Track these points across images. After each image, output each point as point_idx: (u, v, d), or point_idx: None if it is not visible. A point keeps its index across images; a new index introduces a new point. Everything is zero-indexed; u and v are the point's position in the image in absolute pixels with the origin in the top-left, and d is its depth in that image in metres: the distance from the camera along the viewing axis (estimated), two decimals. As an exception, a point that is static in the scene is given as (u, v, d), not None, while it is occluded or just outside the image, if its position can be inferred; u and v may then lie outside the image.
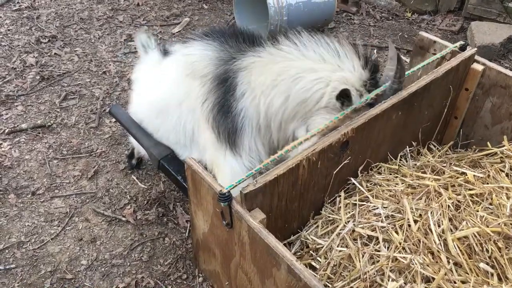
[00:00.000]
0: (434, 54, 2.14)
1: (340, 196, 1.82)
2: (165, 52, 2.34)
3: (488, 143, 2.03)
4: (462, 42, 2.05)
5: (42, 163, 3.06)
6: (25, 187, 2.90)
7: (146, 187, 2.95)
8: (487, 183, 1.77)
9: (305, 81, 1.78)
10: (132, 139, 2.68)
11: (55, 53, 3.99)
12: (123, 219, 2.73)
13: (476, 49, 2.03)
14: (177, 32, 4.33)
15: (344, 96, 1.70)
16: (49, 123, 3.33)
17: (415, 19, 4.72)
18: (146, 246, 2.59)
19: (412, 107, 1.87)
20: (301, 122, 1.84)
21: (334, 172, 1.73)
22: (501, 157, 1.93)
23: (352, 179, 1.84)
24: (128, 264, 2.50)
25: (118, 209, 2.81)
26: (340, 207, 1.76)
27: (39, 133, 3.27)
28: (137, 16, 4.54)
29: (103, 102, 3.55)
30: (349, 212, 1.73)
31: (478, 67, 2.02)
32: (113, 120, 3.41)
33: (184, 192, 2.14)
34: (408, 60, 4.09)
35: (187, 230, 2.68)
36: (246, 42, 1.97)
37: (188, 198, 1.76)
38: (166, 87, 2.18)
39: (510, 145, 1.94)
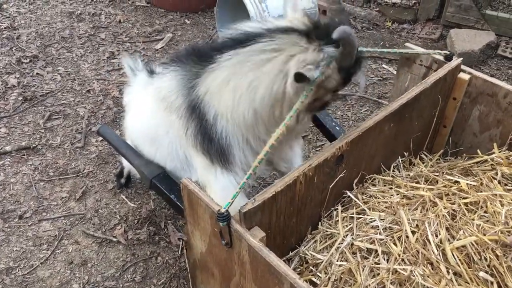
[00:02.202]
0: (421, 64, 2.17)
1: (336, 210, 1.82)
2: (152, 73, 2.32)
3: (478, 151, 2.05)
4: (447, 52, 2.08)
5: (28, 186, 3.00)
6: (12, 211, 2.84)
7: (136, 206, 2.92)
8: (481, 191, 1.79)
9: (261, 88, 1.72)
10: (122, 159, 2.66)
11: (37, 73, 3.94)
12: (114, 239, 2.70)
13: (461, 58, 2.06)
14: (160, 48, 4.32)
15: (301, 79, 1.60)
16: (33, 145, 3.28)
17: (395, 28, 4.78)
18: (138, 267, 2.56)
19: (403, 118, 1.89)
20: (280, 113, 1.76)
21: (330, 186, 1.73)
22: (492, 164, 1.95)
23: (347, 192, 1.85)
24: (121, 285, 2.46)
25: (108, 229, 2.77)
26: (338, 220, 1.76)
27: (24, 155, 3.21)
28: (119, 33, 4.52)
29: (88, 121, 3.51)
30: (347, 226, 1.73)
31: (464, 76, 2.05)
32: (99, 139, 3.38)
33: (177, 210, 2.11)
34: (391, 69, 4.16)
35: (180, 248, 2.66)
36: (199, 62, 1.90)
37: (184, 218, 1.74)
38: (151, 118, 2.17)
39: (500, 152, 1.97)
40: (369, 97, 3.78)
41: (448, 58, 2.06)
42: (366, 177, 1.94)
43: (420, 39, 4.62)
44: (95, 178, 3.10)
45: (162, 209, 2.91)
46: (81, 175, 3.10)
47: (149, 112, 2.18)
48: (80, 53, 4.22)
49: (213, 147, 1.91)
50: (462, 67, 2.07)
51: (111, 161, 3.22)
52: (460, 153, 2.22)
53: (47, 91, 3.76)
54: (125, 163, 2.73)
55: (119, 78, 3.94)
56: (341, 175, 1.74)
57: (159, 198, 2.96)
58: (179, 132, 2.00)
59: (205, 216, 1.56)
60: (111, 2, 4.98)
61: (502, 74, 4.14)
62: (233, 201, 1.46)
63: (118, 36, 4.47)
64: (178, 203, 2.07)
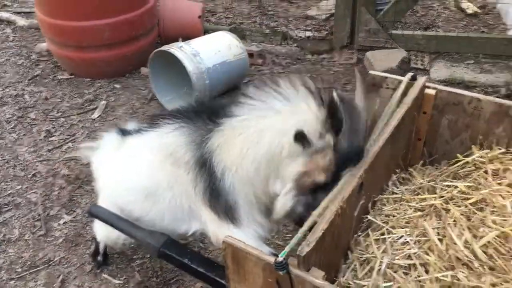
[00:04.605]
0: (388, 88, 2.35)
1: (360, 235, 1.91)
2: (124, 132, 2.32)
3: (458, 155, 2.24)
4: (412, 74, 2.29)
5: (-2, 289, 2.76)
6: (-12, 320, 2.59)
7: (122, 281, 2.79)
8: (479, 190, 1.96)
9: (264, 141, 1.85)
10: (96, 233, 2.61)
11: (-28, 168, 3.66)
12: (110, 324, 2.55)
13: (426, 76, 2.27)
14: (98, 117, 4.21)
15: (300, 139, 1.73)
16: (-9, 244, 3.02)
17: (316, 59, 5.09)
18: None
19: (395, 138, 2.04)
20: (274, 177, 1.91)
21: (355, 214, 1.81)
22: (475, 164, 2.15)
23: (368, 216, 1.94)
24: None
25: (100, 315, 2.62)
26: (367, 245, 1.84)
27: (-16, 257, 2.95)
28: (50, 109, 4.34)
29: (44, 206, 3.31)
30: (379, 248, 1.81)
31: (431, 91, 2.26)
32: (61, 222, 3.21)
33: (193, 273, 2.07)
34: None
35: (181, 316, 2.58)
36: (210, 119, 2.01)
37: (225, 277, 1.72)
38: (148, 172, 2.15)
39: (480, 151, 2.18)
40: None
41: (414, 78, 2.26)
42: (376, 199, 2.05)
43: (341, 65, 4.95)
44: (70, 263, 2.92)
45: (150, 278, 2.81)
46: (53, 264, 2.91)
47: (144, 167, 2.17)
48: (13, 137, 3.98)
49: (221, 204, 1.97)
50: (427, 83, 2.28)
51: (81, 242, 3.06)
52: (437, 161, 2.41)
53: (-12, 184, 3.51)
54: (100, 237, 2.63)
55: (63, 156, 3.77)
56: (362, 202, 1.84)
57: (146, 268, 2.86)
58: (187, 187, 2.03)
59: (256, 270, 1.56)
60: (31, 80, 4.77)
61: (421, 85, 4.54)
62: (289, 250, 1.49)
63: (50, 113, 4.28)
64: (193, 266, 2.04)
